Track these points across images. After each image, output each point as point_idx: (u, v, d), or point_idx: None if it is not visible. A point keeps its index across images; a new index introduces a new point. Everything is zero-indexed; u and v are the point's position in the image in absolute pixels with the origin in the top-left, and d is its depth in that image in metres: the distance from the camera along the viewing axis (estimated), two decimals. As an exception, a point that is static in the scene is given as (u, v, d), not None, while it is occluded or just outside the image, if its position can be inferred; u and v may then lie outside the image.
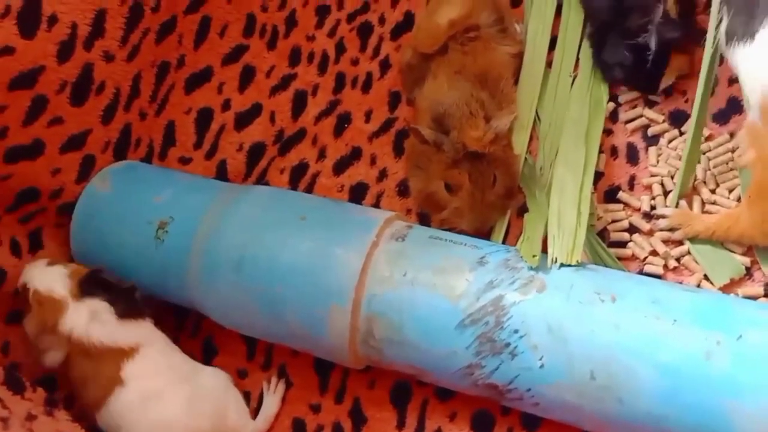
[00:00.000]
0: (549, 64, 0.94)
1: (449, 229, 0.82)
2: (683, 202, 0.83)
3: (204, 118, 1.03)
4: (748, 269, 0.78)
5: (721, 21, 0.72)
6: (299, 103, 1.02)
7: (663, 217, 0.82)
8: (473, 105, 0.82)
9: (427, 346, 0.69)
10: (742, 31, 0.69)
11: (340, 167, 0.96)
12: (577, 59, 0.94)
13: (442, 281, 0.69)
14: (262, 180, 0.97)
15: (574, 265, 0.70)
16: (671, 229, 0.81)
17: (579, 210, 0.78)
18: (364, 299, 0.70)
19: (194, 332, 0.88)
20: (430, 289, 0.69)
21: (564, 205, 0.79)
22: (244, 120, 1.02)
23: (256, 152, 0.99)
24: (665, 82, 0.86)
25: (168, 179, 0.85)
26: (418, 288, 0.69)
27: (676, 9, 0.84)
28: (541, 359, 0.65)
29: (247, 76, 1.05)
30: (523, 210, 0.84)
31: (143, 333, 0.77)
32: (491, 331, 0.66)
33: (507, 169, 0.83)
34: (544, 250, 0.73)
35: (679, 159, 0.84)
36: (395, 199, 0.92)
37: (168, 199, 0.81)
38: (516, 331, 0.66)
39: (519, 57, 0.94)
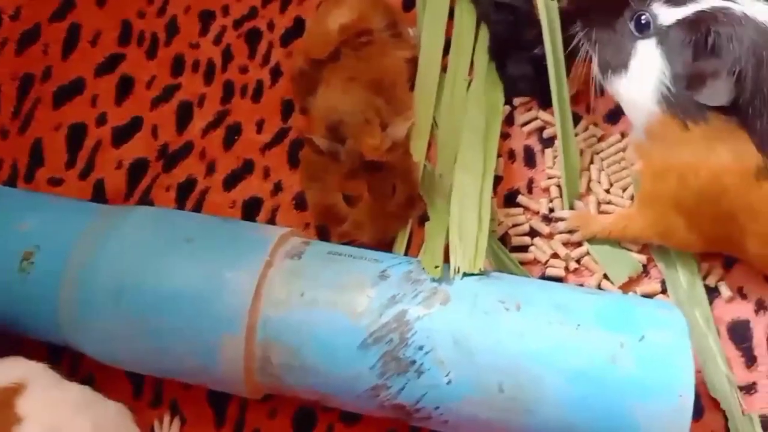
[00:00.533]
0: (444, 68, 0.93)
1: (350, 243, 0.78)
2: (580, 203, 0.83)
3: (76, 134, 0.94)
4: (644, 267, 0.79)
5: (588, 56, 0.74)
6: (184, 115, 0.95)
7: (561, 219, 0.82)
8: (369, 112, 0.79)
9: (328, 370, 0.64)
10: (614, 62, 0.70)
11: (231, 182, 0.90)
12: (472, 63, 0.93)
13: (342, 299, 0.65)
14: (145, 199, 0.90)
15: (478, 274, 0.68)
16: (570, 231, 0.81)
17: (480, 216, 0.76)
18: (258, 324, 0.65)
19: (72, 372, 0.79)
20: (329, 308, 0.64)
21: (464, 212, 0.77)
22: (122, 135, 0.94)
23: (137, 169, 0.92)
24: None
25: (34, 204, 0.76)
26: (316, 308, 0.65)
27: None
28: (448, 375, 0.62)
29: (125, 88, 0.97)
30: (424, 219, 0.81)
31: (23, 368, 0.68)
32: (396, 349, 0.63)
33: (406, 178, 0.80)
34: (447, 260, 0.71)
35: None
36: (292, 213, 0.87)
37: (34, 226, 0.72)
38: (421, 348, 0.62)
39: (414, 62, 0.92)
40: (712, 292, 0.77)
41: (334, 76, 0.85)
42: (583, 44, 0.75)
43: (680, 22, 0.66)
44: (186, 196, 0.90)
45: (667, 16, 0.67)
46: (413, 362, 0.62)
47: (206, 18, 1.02)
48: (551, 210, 0.84)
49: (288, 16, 1.01)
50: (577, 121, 0.88)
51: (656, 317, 0.63)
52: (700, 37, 0.63)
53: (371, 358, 0.63)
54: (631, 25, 0.69)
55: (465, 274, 0.67)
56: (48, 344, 0.76)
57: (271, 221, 0.87)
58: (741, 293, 0.77)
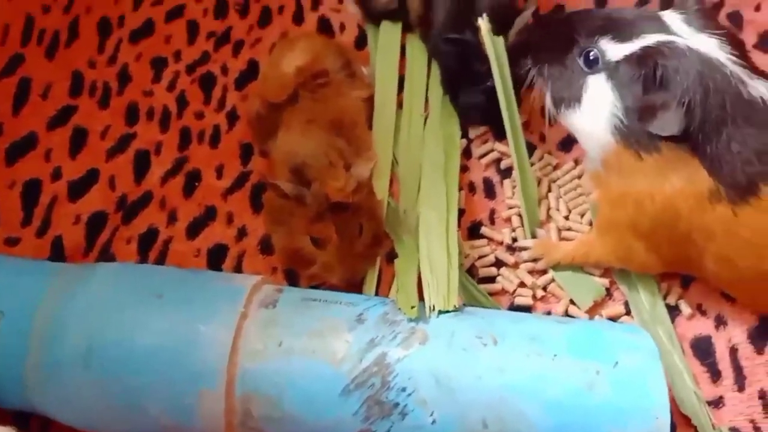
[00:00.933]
0: (400, 104, 0.95)
1: (319, 285, 0.78)
2: (542, 231, 0.85)
3: (31, 190, 0.92)
4: (607, 290, 0.81)
5: (541, 91, 0.76)
6: (141, 165, 0.94)
7: (525, 248, 0.84)
8: (332, 154, 0.80)
9: (311, 419, 0.64)
10: (567, 97, 0.72)
11: (194, 230, 0.89)
12: (427, 98, 0.95)
13: (321, 346, 0.65)
14: (106, 254, 0.87)
15: (452, 310, 0.69)
16: (534, 260, 0.83)
17: (448, 251, 0.77)
18: (237, 378, 0.64)
19: (41, 438, 0.76)
20: (308, 356, 0.64)
21: (433, 248, 0.78)
22: (79, 188, 0.92)
23: (96, 223, 0.90)
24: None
25: (-7, 267, 0.74)
26: (295, 357, 0.64)
27: None
28: (432, 415, 0.62)
29: (79, 140, 0.96)
30: (392, 256, 0.82)
31: None
32: (378, 392, 0.63)
33: (372, 217, 0.81)
34: (420, 297, 0.72)
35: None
36: (258, 258, 0.87)
37: (-5, 291, 0.70)
38: (404, 389, 0.63)
39: (370, 101, 0.93)
40: (673, 311, 0.80)
41: (293, 119, 0.85)
42: (535, 79, 0.78)
43: (628, 58, 0.68)
44: (148, 247, 0.88)
45: (614, 51, 0.70)
46: (396, 405, 0.62)
47: (158, 65, 1.02)
48: (515, 240, 0.86)
49: (241, 59, 1.02)
50: (532, 151, 0.91)
51: (627, 342, 0.65)
52: (649, 71, 0.66)
53: (354, 404, 0.63)
54: (580, 62, 0.72)
55: (440, 312, 0.68)
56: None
57: (238, 268, 0.86)
58: (701, 310, 0.80)
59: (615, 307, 0.81)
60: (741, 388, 0.74)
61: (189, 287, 0.69)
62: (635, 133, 0.69)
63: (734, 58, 0.68)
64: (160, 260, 0.87)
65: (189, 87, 1.01)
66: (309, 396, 0.64)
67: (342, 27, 1.05)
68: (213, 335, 0.65)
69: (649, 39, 0.68)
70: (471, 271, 0.84)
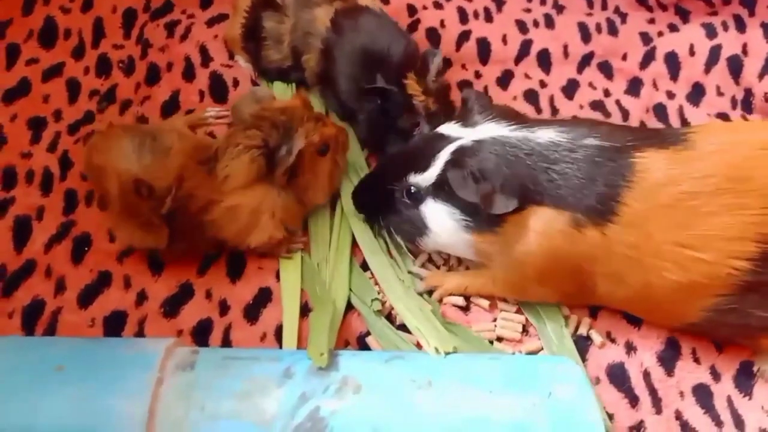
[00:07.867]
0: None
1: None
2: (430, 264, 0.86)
3: None
4: (523, 326, 0.82)
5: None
6: (22, 232, 0.86)
7: (419, 276, 0.84)
8: None
9: (243, 487, 0.58)
10: (415, 230, 0.79)
11: (86, 298, 0.82)
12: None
13: (249, 406, 0.60)
14: (-16, 331, 0.78)
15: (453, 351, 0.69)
16: (429, 292, 0.83)
17: (414, 299, 0.80)
18: (157, 451, 0.58)
19: None
20: (236, 418, 0.59)
21: (404, 299, 0.80)
22: (-51, 261, 0.83)
23: (-29, 298, 0.80)
24: None
25: None
26: (222, 421, 0.59)
27: (431, 103, 0.88)
28: (373, 467, 0.59)
29: (-53, 207, 0.86)
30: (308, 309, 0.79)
31: None
32: (315, 450, 0.59)
33: None
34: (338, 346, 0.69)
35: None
36: (162, 323, 0.80)
37: None
38: (341, 443, 0.59)
39: None
40: (586, 341, 0.82)
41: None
42: (383, 232, 0.83)
43: (443, 173, 0.74)
44: (34, 320, 0.79)
45: (424, 178, 0.75)
46: (335, 460, 0.59)
47: (36, 125, 0.95)
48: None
49: (129, 118, 0.97)
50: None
51: (557, 373, 0.66)
52: (467, 171, 0.71)
53: (289, 465, 0.58)
54: (406, 200, 0.78)
55: (446, 354, 0.69)
56: None
57: (140, 334, 0.79)
58: (610, 338, 0.82)
59: (533, 343, 0.82)
60: (659, 411, 0.76)
61: (94, 357, 0.62)
62: (482, 219, 0.73)
63: (513, 126, 0.74)
64: (50, 333, 0.78)
65: (72, 147, 0.94)
66: (239, 462, 0.58)
67: (235, 82, 1.03)
68: (126, 406, 0.58)
69: (445, 154, 0.74)
70: (390, 318, 0.82)
